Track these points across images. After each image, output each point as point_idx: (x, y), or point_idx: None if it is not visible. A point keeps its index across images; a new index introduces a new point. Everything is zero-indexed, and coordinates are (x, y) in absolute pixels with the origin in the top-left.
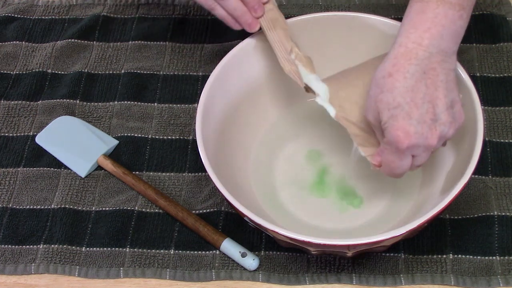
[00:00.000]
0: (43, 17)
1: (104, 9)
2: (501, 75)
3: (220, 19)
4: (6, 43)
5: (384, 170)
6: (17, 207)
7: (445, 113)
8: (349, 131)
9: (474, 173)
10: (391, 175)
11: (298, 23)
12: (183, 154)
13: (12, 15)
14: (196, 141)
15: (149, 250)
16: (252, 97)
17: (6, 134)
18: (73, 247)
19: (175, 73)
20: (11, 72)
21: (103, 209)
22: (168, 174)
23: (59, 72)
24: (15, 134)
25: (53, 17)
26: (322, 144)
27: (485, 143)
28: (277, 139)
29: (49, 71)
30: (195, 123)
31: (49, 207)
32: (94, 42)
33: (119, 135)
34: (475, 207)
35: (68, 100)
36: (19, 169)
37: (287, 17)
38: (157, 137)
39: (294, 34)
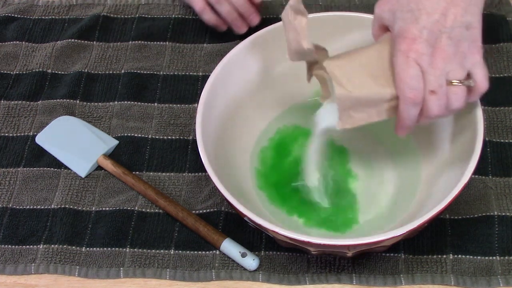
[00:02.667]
0: (43, 17)
1: (104, 9)
2: (501, 75)
3: (205, 23)
4: (6, 43)
5: (400, 88)
6: (17, 207)
7: (456, 30)
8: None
9: (474, 173)
10: (404, 98)
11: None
12: (183, 154)
13: (12, 15)
14: (196, 141)
15: (149, 250)
16: (252, 97)
17: (6, 134)
18: (73, 247)
19: (175, 73)
20: (11, 72)
21: (103, 209)
22: (168, 174)
23: (59, 72)
24: (15, 134)
25: (53, 17)
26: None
27: (485, 143)
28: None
29: (49, 71)
30: (195, 123)
31: (49, 207)
32: (94, 42)
33: (119, 135)
34: (475, 207)
35: (68, 100)
36: (19, 169)
37: None
38: (157, 137)
39: None
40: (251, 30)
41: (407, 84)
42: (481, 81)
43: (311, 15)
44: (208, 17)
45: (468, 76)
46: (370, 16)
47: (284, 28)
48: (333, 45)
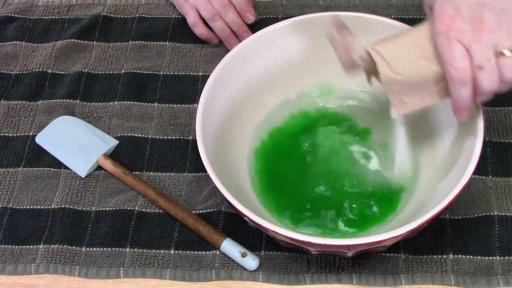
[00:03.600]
0: (43, 17)
1: (104, 9)
2: None
3: (197, 35)
4: (6, 43)
5: (445, 69)
6: (17, 207)
7: (495, 0)
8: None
9: (474, 173)
10: (452, 79)
11: (298, 23)
12: (183, 154)
13: (12, 15)
14: (196, 141)
15: (149, 250)
16: (252, 97)
17: (6, 134)
18: (73, 247)
19: (175, 73)
20: (11, 72)
21: (103, 209)
22: (168, 174)
23: (59, 72)
24: (15, 134)
25: (53, 17)
26: (324, 146)
27: (485, 143)
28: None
29: (49, 71)
30: (195, 123)
31: (49, 207)
32: (94, 42)
33: (119, 135)
34: (475, 207)
35: (68, 100)
36: (19, 169)
37: (287, 17)
38: (157, 137)
39: (295, 35)
40: (251, 31)
41: (451, 64)
42: None
43: (311, 15)
44: (200, 31)
45: None
46: (369, 16)
47: (333, 47)
48: None
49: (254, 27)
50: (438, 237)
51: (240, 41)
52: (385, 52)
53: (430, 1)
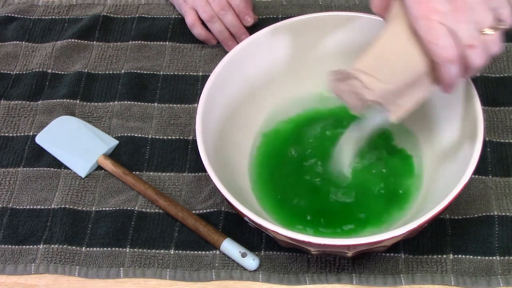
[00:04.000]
0: (43, 17)
1: (104, 9)
2: (501, 75)
3: (196, 36)
4: (6, 43)
5: (432, 51)
6: (17, 207)
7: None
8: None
9: (474, 173)
10: (442, 60)
11: (298, 23)
12: (183, 154)
13: (12, 15)
14: (196, 141)
15: (149, 250)
16: (252, 97)
17: (6, 134)
18: (73, 247)
19: (175, 73)
20: (11, 72)
21: (103, 209)
22: (168, 174)
23: (59, 72)
24: (15, 134)
25: (53, 17)
26: (325, 144)
27: (485, 143)
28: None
29: (49, 71)
30: (195, 123)
31: (49, 207)
32: (94, 42)
33: (119, 135)
34: (475, 207)
35: (68, 100)
36: (19, 169)
37: (287, 17)
38: (157, 137)
39: (295, 35)
40: (251, 31)
41: (438, 45)
42: (507, 19)
43: (311, 15)
44: (198, 32)
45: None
46: (369, 16)
47: (340, 97)
48: (333, 45)
49: (254, 28)
50: (438, 237)
51: (238, 43)
52: (365, 67)
53: None
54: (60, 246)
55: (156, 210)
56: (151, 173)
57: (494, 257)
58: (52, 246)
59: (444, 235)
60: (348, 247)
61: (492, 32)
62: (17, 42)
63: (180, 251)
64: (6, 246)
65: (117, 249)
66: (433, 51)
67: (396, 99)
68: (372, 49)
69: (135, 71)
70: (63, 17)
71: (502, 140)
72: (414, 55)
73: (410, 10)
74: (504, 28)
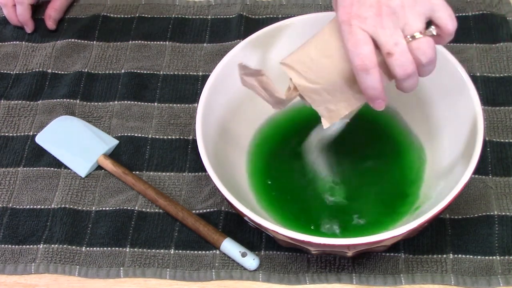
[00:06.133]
0: (43, 17)
1: (104, 9)
2: (501, 75)
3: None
4: (6, 43)
5: (350, 58)
6: (17, 207)
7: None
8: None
9: (474, 173)
10: (354, 67)
11: (298, 23)
12: (183, 154)
13: None
14: (196, 141)
15: (149, 250)
16: (252, 97)
17: (6, 134)
18: (73, 247)
19: (175, 73)
20: (11, 72)
21: (103, 209)
22: (168, 174)
23: (59, 72)
24: (15, 134)
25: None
26: (324, 145)
27: (485, 143)
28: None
29: (49, 71)
30: (195, 123)
31: (49, 207)
32: (94, 42)
33: (119, 135)
34: (475, 207)
35: (68, 100)
36: (19, 169)
37: (287, 17)
38: (157, 137)
39: (294, 34)
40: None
41: (352, 52)
42: (446, 24)
43: (311, 15)
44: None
45: (429, 23)
46: None
47: (255, 92)
48: None
49: (253, 29)
50: (438, 237)
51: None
52: (294, 63)
53: None
54: (60, 246)
55: (156, 210)
56: (151, 173)
57: (494, 257)
58: (52, 246)
59: (444, 235)
60: (348, 246)
61: (419, 36)
62: (17, 42)
63: (180, 251)
64: (6, 246)
65: (117, 249)
66: (350, 57)
67: (326, 103)
68: (303, 47)
69: (135, 71)
70: (63, 16)
71: (502, 140)
72: (339, 60)
73: (337, 14)
74: (433, 34)
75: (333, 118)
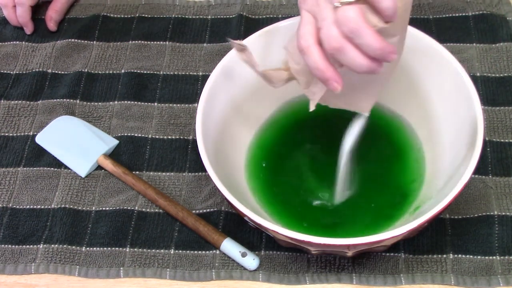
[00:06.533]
0: (43, 17)
1: (104, 9)
2: (501, 75)
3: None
4: (6, 43)
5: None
6: (17, 207)
7: None
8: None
9: (474, 173)
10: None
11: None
12: (183, 154)
13: None
14: (196, 141)
15: (149, 250)
16: (252, 97)
17: (6, 134)
18: (73, 247)
19: (175, 73)
20: (11, 72)
21: (103, 209)
22: (168, 174)
23: (59, 72)
24: (15, 134)
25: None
26: (324, 144)
27: (485, 143)
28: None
29: (49, 71)
30: (195, 123)
31: (49, 207)
32: (94, 42)
33: (119, 135)
34: (475, 207)
35: (68, 100)
36: (19, 169)
37: (287, 17)
38: (157, 137)
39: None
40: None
41: (298, 34)
42: None
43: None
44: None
45: None
46: None
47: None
48: None
49: (253, 29)
50: (438, 237)
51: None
52: (289, 46)
53: None
54: (60, 246)
55: (156, 210)
56: (151, 173)
57: (494, 257)
58: (52, 246)
59: (444, 235)
60: (348, 246)
61: (339, 5)
62: (17, 42)
63: (180, 251)
64: (6, 246)
65: (117, 249)
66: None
67: (311, 85)
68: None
69: (135, 71)
70: (64, 17)
71: (502, 140)
72: None
73: None
74: (350, 1)
75: (315, 100)
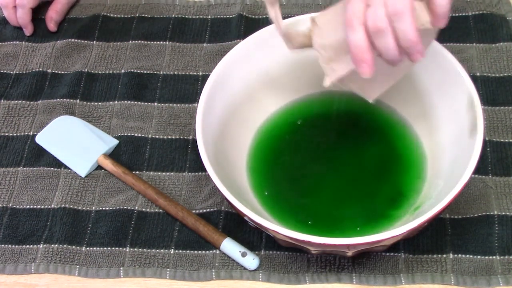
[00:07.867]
0: (43, 17)
1: (104, 9)
2: (501, 75)
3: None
4: (6, 43)
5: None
6: (17, 206)
7: None
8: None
9: (474, 172)
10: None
11: (297, 23)
12: (183, 154)
13: None
14: (196, 141)
15: (149, 250)
16: (252, 97)
17: (6, 134)
18: (73, 246)
19: (175, 72)
20: (11, 72)
21: (103, 208)
22: (168, 173)
23: (59, 72)
24: (15, 134)
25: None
26: (324, 144)
27: (485, 143)
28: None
29: (49, 71)
30: (195, 123)
31: (49, 206)
32: (94, 42)
33: (119, 134)
34: (475, 207)
35: (68, 99)
36: (19, 168)
37: (287, 17)
38: (157, 136)
39: None
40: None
41: (347, 7)
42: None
43: (310, 15)
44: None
45: None
46: None
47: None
48: None
49: (253, 28)
50: (438, 237)
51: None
52: (320, 20)
53: None
54: (60, 245)
55: (156, 210)
56: (151, 173)
57: (494, 257)
58: (52, 245)
59: (444, 235)
60: (348, 246)
61: None
62: (17, 42)
63: (180, 251)
64: (6, 245)
65: (117, 248)
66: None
67: (332, 62)
68: (333, 7)
69: (135, 70)
70: (64, 17)
71: (502, 140)
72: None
73: None
74: None
75: (334, 77)
